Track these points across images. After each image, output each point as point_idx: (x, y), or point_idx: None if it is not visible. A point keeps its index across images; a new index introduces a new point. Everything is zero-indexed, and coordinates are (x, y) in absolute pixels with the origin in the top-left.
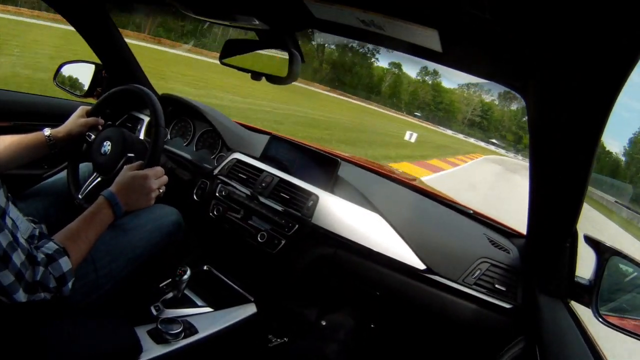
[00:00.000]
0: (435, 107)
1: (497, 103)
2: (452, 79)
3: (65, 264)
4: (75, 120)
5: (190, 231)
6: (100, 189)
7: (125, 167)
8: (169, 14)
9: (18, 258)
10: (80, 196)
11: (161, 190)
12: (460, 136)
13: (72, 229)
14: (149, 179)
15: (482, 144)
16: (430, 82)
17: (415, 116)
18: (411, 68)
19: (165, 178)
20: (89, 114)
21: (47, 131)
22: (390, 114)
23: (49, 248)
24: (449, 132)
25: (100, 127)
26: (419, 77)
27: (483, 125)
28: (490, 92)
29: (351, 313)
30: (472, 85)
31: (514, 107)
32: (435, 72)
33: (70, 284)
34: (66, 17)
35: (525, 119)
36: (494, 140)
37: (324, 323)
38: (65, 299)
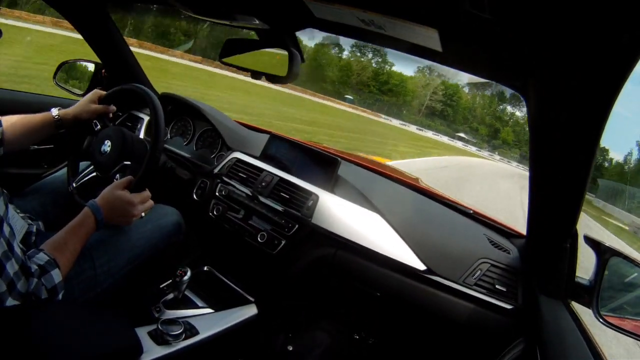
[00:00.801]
0: (378, 88)
1: (466, 89)
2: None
3: (57, 276)
4: (86, 105)
5: (191, 231)
6: (95, 185)
7: (114, 182)
8: (169, 14)
9: (11, 267)
10: (74, 185)
11: (143, 214)
12: (412, 128)
13: (59, 240)
14: (134, 206)
15: (445, 139)
16: (370, 56)
17: (346, 100)
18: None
19: (150, 203)
20: (101, 100)
21: (55, 111)
22: (305, 97)
23: (41, 259)
24: (395, 122)
25: (110, 115)
26: (354, 50)
27: (447, 115)
28: (457, 74)
29: (328, 327)
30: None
31: (488, 92)
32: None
33: (60, 295)
34: (66, 16)
35: (501, 107)
36: (461, 135)
37: (290, 348)
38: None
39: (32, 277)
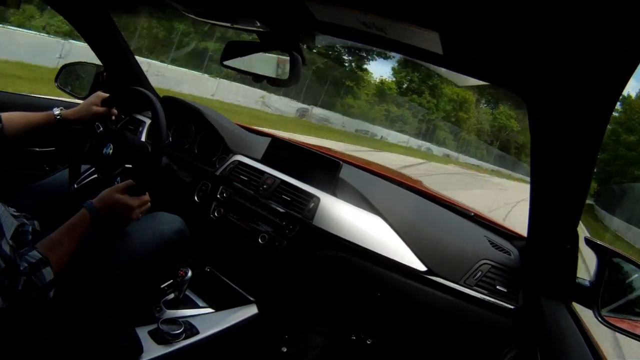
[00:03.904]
0: None
1: None
2: None
3: (48, 274)
4: (87, 107)
5: (192, 232)
6: (96, 186)
7: (114, 185)
8: (170, 16)
9: None
10: (75, 185)
11: (140, 216)
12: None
13: (53, 239)
14: (132, 211)
15: None
16: None
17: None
18: None
19: (148, 207)
20: (103, 102)
21: (57, 111)
22: None
23: (33, 257)
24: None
25: (113, 118)
26: None
27: None
28: None
29: (325, 328)
30: None
31: None
32: None
33: (51, 294)
34: (68, 19)
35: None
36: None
37: (284, 350)
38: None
39: (21, 276)
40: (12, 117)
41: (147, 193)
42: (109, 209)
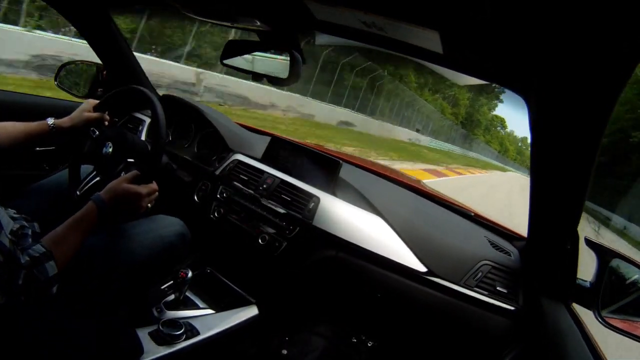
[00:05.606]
0: None
1: None
2: None
3: (51, 268)
4: (80, 114)
5: (192, 233)
6: (98, 188)
7: (121, 177)
8: (170, 15)
9: None
10: (78, 192)
11: (150, 205)
12: None
13: (58, 233)
14: (142, 199)
15: None
16: None
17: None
18: None
19: (156, 195)
20: (95, 108)
21: (50, 120)
22: None
23: (36, 250)
24: None
25: (106, 123)
26: None
27: None
28: None
29: (325, 330)
30: None
31: None
32: None
33: (54, 289)
34: (68, 18)
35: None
36: None
37: (284, 352)
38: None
39: (21, 269)
40: (6, 127)
41: (154, 182)
42: (117, 200)
